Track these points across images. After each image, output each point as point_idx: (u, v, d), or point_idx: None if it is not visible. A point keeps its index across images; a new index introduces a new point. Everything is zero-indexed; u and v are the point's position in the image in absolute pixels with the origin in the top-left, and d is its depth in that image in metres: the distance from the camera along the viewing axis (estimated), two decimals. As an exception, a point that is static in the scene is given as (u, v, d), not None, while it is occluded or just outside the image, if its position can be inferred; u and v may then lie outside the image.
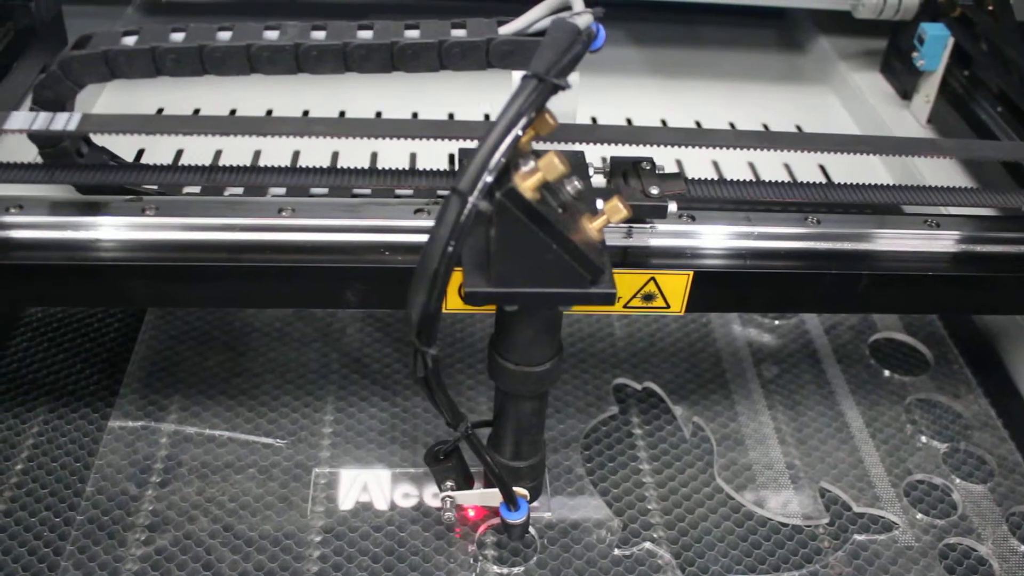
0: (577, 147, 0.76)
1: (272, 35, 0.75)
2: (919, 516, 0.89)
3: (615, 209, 0.63)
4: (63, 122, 0.73)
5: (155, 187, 0.81)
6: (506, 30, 0.75)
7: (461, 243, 0.57)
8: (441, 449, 0.78)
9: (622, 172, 0.76)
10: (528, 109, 0.58)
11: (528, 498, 0.80)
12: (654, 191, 0.74)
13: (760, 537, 0.86)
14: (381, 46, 0.74)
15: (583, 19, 0.66)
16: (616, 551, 0.84)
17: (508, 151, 0.57)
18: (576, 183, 0.63)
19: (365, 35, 0.75)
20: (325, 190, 0.84)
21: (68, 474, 0.88)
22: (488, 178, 0.56)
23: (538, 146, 0.66)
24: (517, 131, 0.57)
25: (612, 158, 0.77)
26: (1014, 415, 1.01)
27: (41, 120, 0.73)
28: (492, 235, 0.60)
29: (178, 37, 0.75)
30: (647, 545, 0.85)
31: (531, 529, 0.85)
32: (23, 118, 0.74)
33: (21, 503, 0.85)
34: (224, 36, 0.75)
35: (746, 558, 0.84)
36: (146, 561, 0.80)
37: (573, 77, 0.89)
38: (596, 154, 0.77)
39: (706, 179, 0.81)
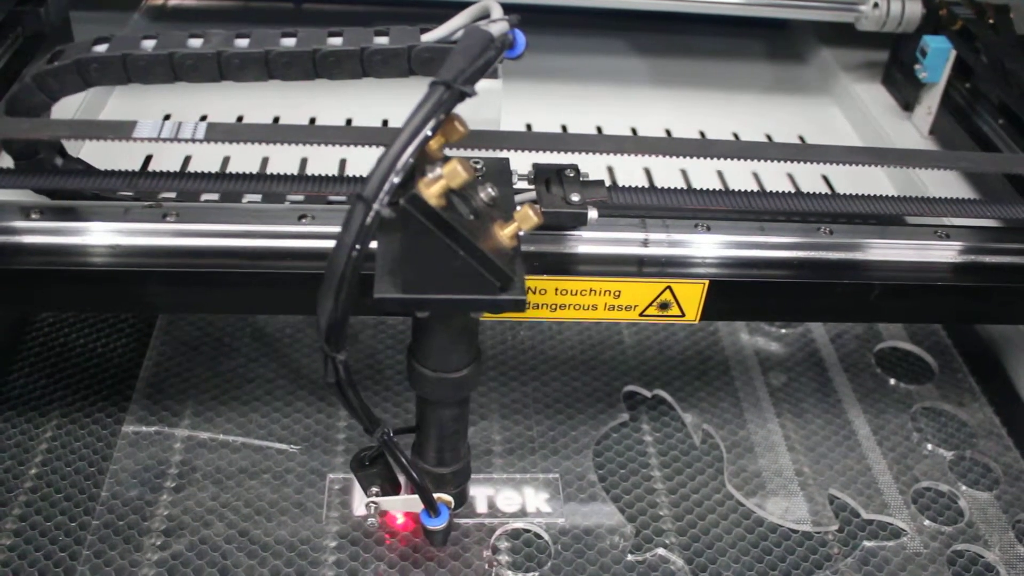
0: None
1: (196, 43, 0.75)
2: (927, 523, 0.91)
3: (526, 217, 0.63)
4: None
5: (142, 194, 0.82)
6: (429, 37, 0.75)
7: (365, 248, 0.57)
8: (367, 455, 0.78)
9: (544, 179, 0.76)
10: (432, 116, 0.57)
11: (451, 505, 0.80)
12: (575, 198, 0.74)
13: (771, 543, 0.87)
14: (303, 53, 0.74)
15: (498, 26, 0.66)
16: (629, 557, 0.85)
17: (412, 156, 0.57)
18: (490, 190, 0.64)
19: (288, 42, 0.75)
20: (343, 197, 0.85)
21: (83, 479, 0.88)
22: (394, 180, 0.56)
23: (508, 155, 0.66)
24: (425, 133, 0.57)
25: (535, 165, 0.77)
26: (1018, 423, 1.02)
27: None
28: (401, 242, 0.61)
29: (101, 48, 0.75)
30: (660, 551, 0.85)
31: (545, 535, 0.86)
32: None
33: (36, 507, 0.85)
34: (148, 45, 0.75)
35: (757, 564, 0.85)
36: (162, 566, 0.81)
37: (495, 84, 0.90)
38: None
39: (715, 190, 0.82)
